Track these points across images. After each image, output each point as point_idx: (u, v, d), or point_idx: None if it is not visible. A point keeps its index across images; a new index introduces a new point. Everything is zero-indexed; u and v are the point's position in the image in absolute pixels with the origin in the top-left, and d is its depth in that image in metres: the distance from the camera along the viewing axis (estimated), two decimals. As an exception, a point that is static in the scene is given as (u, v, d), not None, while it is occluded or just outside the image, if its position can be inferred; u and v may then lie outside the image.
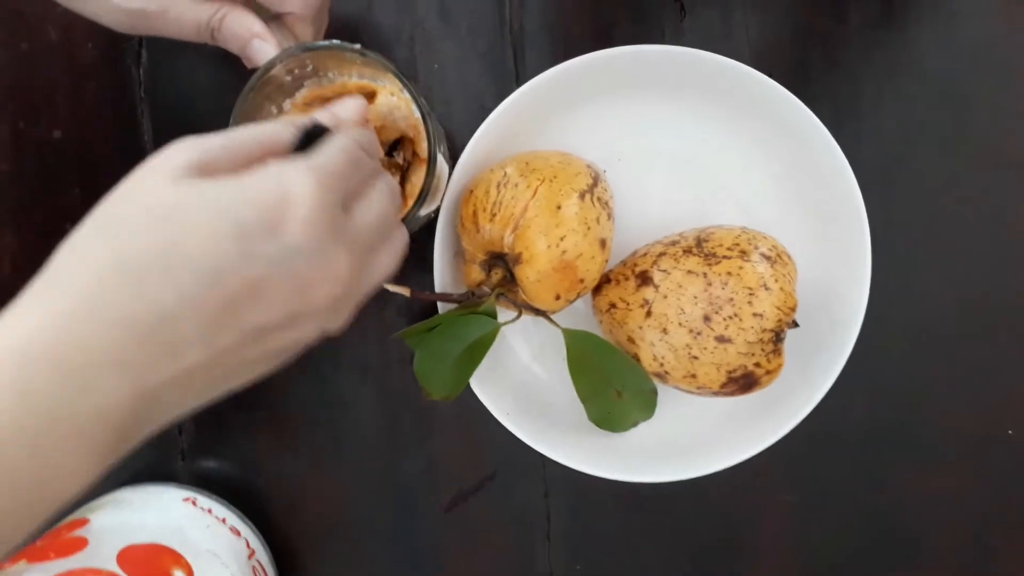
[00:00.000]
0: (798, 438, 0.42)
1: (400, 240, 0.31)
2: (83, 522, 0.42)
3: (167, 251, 0.23)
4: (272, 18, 0.36)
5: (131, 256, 0.23)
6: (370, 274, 0.29)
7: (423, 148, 0.38)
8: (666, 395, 0.42)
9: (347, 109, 0.31)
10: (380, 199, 0.29)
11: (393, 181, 0.31)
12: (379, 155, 0.31)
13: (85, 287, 0.23)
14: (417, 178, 0.39)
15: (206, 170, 0.25)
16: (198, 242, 0.24)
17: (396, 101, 0.37)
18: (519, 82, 0.45)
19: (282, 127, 0.28)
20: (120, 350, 0.23)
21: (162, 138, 0.46)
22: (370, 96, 0.38)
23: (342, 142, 0.28)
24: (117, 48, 0.45)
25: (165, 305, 0.23)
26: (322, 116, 0.30)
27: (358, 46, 0.33)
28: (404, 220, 0.36)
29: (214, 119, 0.45)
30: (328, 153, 0.27)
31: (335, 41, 0.33)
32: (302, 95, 0.36)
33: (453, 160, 0.42)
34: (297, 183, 0.25)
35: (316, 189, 0.25)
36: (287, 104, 0.36)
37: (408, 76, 0.45)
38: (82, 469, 0.23)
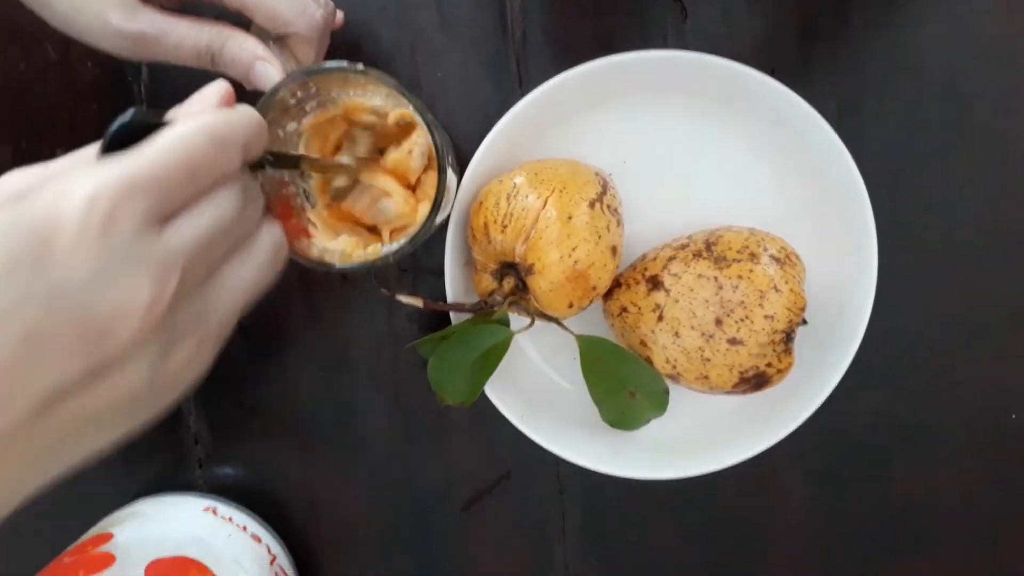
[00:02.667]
0: (809, 431, 0.42)
1: (264, 247, 0.26)
2: (107, 537, 0.43)
3: None
4: (273, 40, 0.35)
5: None
6: (218, 291, 0.25)
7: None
8: (677, 393, 0.43)
9: (200, 98, 0.27)
10: (218, 203, 0.24)
11: (252, 183, 0.25)
12: (249, 146, 0.26)
13: None
14: (428, 186, 0.39)
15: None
16: None
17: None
18: (523, 89, 0.45)
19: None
20: None
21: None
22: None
23: (171, 138, 0.23)
24: (117, 66, 0.45)
25: None
26: (175, 112, 0.26)
27: (361, 66, 0.32)
28: (416, 235, 0.36)
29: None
30: (145, 153, 0.22)
31: (339, 62, 0.32)
32: (309, 120, 0.36)
33: (461, 169, 0.42)
34: (70, 197, 0.21)
35: (90, 203, 0.20)
36: (291, 127, 0.36)
37: (411, 87, 0.45)
38: None
